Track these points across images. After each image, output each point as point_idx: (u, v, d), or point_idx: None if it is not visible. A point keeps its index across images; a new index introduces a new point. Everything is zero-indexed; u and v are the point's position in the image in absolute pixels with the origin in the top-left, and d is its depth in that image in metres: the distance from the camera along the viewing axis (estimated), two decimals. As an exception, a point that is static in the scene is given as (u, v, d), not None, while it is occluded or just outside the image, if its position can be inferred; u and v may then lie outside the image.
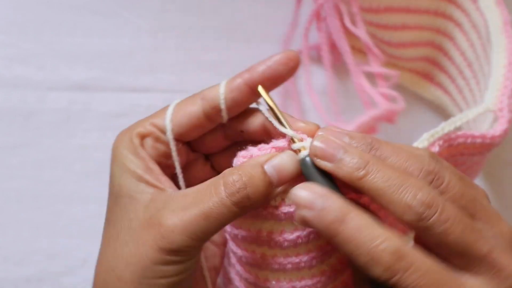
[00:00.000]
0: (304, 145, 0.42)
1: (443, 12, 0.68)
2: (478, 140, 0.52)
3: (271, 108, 0.44)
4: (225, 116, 0.45)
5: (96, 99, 0.71)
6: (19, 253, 0.67)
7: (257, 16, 0.74)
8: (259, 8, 0.74)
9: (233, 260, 0.48)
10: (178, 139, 0.46)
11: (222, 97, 0.45)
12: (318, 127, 0.43)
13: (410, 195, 0.38)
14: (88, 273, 0.68)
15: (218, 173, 0.46)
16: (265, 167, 0.41)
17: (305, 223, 0.39)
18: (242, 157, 0.43)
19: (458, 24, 0.68)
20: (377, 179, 0.38)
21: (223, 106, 0.45)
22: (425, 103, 0.75)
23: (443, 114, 0.74)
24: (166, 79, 0.72)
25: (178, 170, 0.46)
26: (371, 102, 0.67)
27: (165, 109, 0.47)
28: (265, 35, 0.74)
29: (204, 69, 0.72)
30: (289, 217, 0.42)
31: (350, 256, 0.38)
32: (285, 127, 0.43)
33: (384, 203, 0.38)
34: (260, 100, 0.46)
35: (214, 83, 0.74)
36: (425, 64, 0.73)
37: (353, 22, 0.65)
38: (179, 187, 0.47)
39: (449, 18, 0.68)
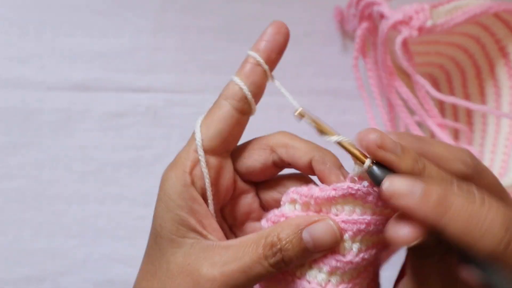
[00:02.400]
0: (368, 162, 0.41)
1: (470, 53, 0.69)
2: None
3: (317, 124, 0.43)
4: (253, 104, 0.45)
5: (96, 99, 0.71)
6: (19, 253, 0.67)
7: (257, 16, 0.74)
8: (259, 8, 0.74)
9: None
10: (222, 151, 0.45)
11: (243, 85, 0.45)
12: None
13: (462, 154, 0.41)
14: (88, 273, 0.68)
15: (264, 210, 0.48)
16: (303, 233, 0.42)
17: (408, 211, 0.38)
18: (291, 193, 0.44)
19: (478, 72, 0.68)
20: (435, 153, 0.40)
21: (249, 96, 0.45)
22: None
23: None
24: (166, 79, 0.72)
25: (208, 189, 0.45)
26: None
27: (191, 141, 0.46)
28: (265, 35, 0.74)
29: (204, 69, 0.72)
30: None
31: (458, 235, 0.37)
32: (334, 135, 0.42)
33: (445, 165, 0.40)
34: (305, 118, 0.43)
35: (214, 83, 0.75)
36: (435, 70, 0.73)
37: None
38: (226, 218, 0.47)
39: (473, 60, 0.69)
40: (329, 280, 0.44)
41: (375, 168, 0.40)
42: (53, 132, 0.70)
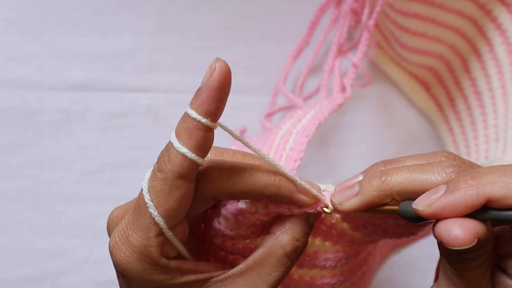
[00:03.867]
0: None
1: (464, 33, 0.69)
2: None
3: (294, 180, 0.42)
4: (202, 162, 0.40)
5: (96, 99, 0.71)
6: (19, 253, 0.67)
7: (257, 16, 0.74)
8: (259, 8, 0.74)
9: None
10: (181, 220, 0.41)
11: (194, 157, 0.39)
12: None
13: (441, 167, 0.40)
14: (88, 273, 0.68)
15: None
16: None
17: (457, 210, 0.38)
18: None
19: (476, 50, 0.68)
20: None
21: (201, 162, 0.39)
22: (415, 108, 0.75)
23: (430, 123, 0.74)
24: (166, 79, 0.72)
25: (186, 253, 0.43)
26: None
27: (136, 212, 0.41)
28: (265, 35, 0.74)
29: (204, 69, 0.72)
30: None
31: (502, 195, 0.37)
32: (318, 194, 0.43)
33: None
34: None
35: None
36: (426, 72, 0.74)
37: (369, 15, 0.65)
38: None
39: (469, 41, 0.69)
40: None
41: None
42: (53, 132, 0.70)
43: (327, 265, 0.46)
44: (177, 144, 0.39)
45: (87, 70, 0.71)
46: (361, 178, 0.42)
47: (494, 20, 0.66)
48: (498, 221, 0.37)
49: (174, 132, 0.40)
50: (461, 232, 0.36)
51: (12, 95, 0.70)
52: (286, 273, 0.42)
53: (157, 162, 0.40)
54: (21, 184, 0.68)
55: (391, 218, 0.43)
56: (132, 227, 0.40)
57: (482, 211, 0.37)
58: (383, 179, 0.40)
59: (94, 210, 0.69)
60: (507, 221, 0.37)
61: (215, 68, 0.40)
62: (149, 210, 0.39)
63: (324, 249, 0.46)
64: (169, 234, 0.40)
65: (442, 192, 0.38)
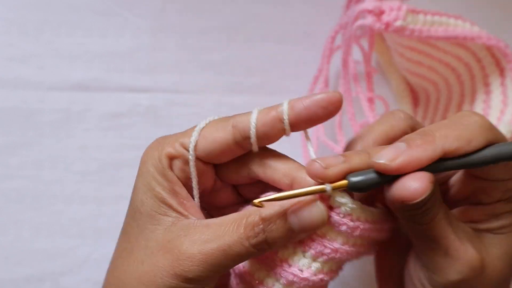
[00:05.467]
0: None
1: (461, 79, 0.69)
2: None
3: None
4: (255, 147, 0.44)
5: (96, 99, 0.71)
6: (19, 253, 0.67)
7: (257, 16, 0.74)
8: (259, 8, 0.74)
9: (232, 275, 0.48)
10: (207, 161, 0.45)
11: (253, 130, 0.43)
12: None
13: None
14: (88, 273, 0.68)
15: (244, 199, 0.48)
16: (288, 214, 0.41)
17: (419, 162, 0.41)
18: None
19: (462, 100, 0.69)
20: None
21: (253, 139, 0.43)
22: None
23: None
24: (166, 79, 0.72)
25: (196, 197, 0.45)
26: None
27: (191, 128, 0.45)
28: (265, 35, 0.74)
29: (204, 69, 0.72)
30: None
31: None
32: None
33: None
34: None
35: (214, 83, 0.75)
36: (419, 89, 0.74)
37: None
38: (204, 209, 0.47)
39: (461, 86, 0.69)
40: (310, 266, 0.44)
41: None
42: (53, 132, 0.70)
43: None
44: (253, 118, 0.43)
45: (87, 70, 0.71)
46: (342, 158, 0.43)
47: (485, 76, 0.66)
48: (449, 169, 0.42)
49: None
50: (418, 184, 0.39)
51: (12, 95, 0.70)
52: (238, 246, 0.41)
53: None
54: (21, 184, 0.68)
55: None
56: (173, 136, 0.46)
57: (435, 164, 0.41)
58: (366, 154, 0.43)
59: (94, 210, 0.69)
60: (459, 168, 0.42)
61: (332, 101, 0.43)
62: (193, 131, 0.44)
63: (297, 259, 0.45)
64: (192, 154, 0.44)
65: (403, 148, 0.40)
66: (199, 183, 0.45)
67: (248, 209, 0.44)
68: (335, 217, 0.42)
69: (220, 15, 0.74)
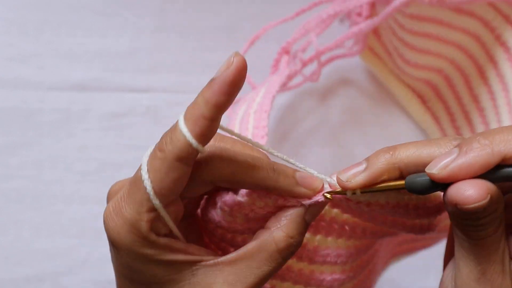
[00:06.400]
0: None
1: (467, 49, 0.69)
2: None
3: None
4: (201, 149, 0.40)
5: (96, 99, 0.71)
6: (19, 253, 0.67)
7: (257, 16, 0.74)
8: (259, 8, 0.74)
9: None
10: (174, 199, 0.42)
11: (195, 145, 0.39)
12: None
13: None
14: (88, 273, 0.68)
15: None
16: (306, 218, 0.42)
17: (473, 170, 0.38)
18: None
19: (479, 67, 0.68)
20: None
21: (200, 149, 0.40)
22: (411, 121, 0.75)
23: (427, 137, 0.74)
24: (166, 79, 0.72)
25: (181, 239, 0.43)
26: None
27: (133, 186, 0.42)
28: (265, 35, 0.74)
29: (204, 69, 0.72)
30: None
31: None
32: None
33: None
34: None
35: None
36: (423, 86, 0.74)
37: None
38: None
39: (471, 57, 0.69)
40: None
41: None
42: (53, 132, 0.70)
43: (328, 260, 0.46)
44: (183, 128, 0.40)
45: (87, 70, 0.71)
46: (365, 163, 0.41)
47: (498, 37, 0.65)
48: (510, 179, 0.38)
49: (183, 115, 0.40)
50: (473, 190, 0.37)
51: (12, 95, 0.70)
52: (276, 269, 0.41)
53: (159, 141, 0.41)
54: (21, 184, 0.68)
55: (399, 207, 0.42)
56: (127, 200, 0.41)
57: (494, 172, 0.37)
58: (391, 153, 0.40)
59: (94, 210, 0.69)
60: None
61: (232, 62, 0.40)
62: (144, 184, 0.40)
63: (325, 244, 0.46)
64: (161, 210, 0.40)
65: (455, 155, 0.38)
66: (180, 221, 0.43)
67: (235, 198, 0.42)
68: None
69: (220, 15, 0.74)
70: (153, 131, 0.71)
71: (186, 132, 0.39)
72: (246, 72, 0.40)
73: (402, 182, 0.40)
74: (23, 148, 0.69)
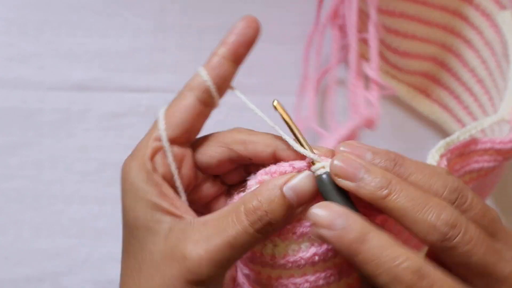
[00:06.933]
0: (324, 165, 0.41)
1: (452, 28, 0.69)
2: (488, 145, 0.52)
3: (289, 127, 0.43)
4: (217, 97, 0.46)
5: (96, 99, 0.71)
6: (19, 253, 0.67)
7: (257, 16, 0.74)
8: (259, 8, 0.74)
9: (241, 278, 0.48)
10: (183, 141, 0.45)
11: (207, 77, 0.45)
12: (333, 153, 0.42)
13: (434, 215, 0.37)
14: (88, 273, 0.68)
15: (229, 187, 0.47)
16: (284, 189, 0.40)
17: (324, 241, 0.39)
18: (260, 175, 0.42)
19: (467, 41, 0.68)
20: (400, 198, 0.38)
21: (212, 86, 0.46)
22: (420, 117, 0.75)
23: (438, 129, 0.74)
24: (166, 79, 0.72)
25: (182, 193, 0.45)
26: (356, 105, 0.67)
27: (154, 127, 0.46)
28: (265, 35, 0.74)
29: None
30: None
31: (371, 276, 0.37)
32: (304, 148, 0.42)
33: (407, 223, 0.38)
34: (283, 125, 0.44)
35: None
36: (423, 80, 0.74)
37: (365, 24, 0.65)
38: (191, 204, 0.46)
39: (458, 35, 0.69)
40: (300, 247, 0.43)
41: (325, 178, 0.41)
42: (53, 132, 0.70)
43: (309, 263, 0.44)
44: (202, 72, 0.46)
45: (87, 70, 0.71)
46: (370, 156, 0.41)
47: (477, 7, 0.66)
48: None
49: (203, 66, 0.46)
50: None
51: (12, 95, 0.70)
52: (242, 235, 0.40)
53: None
54: (21, 184, 0.68)
55: None
56: (141, 141, 0.45)
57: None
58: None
59: (94, 210, 0.69)
60: None
61: (248, 21, 0.49)
62: (158, 114, 0.45)
63: (298, 249, 0.44)
64: (164, 137, 0.44)
65: (336, 230, 0.38)
66: (181, 173, 0.44)
67: (241, 196, 0.43)
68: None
69: (220, 15, 0.74)
70: (153, 131, 0.71)
71: (205, 75, 0.45)
72: (258, 29, 0.48)
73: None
74: (23, 148, 0.69)
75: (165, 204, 0.42)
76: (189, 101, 0.45)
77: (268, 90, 0.72)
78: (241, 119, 0.71)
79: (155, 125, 0.45)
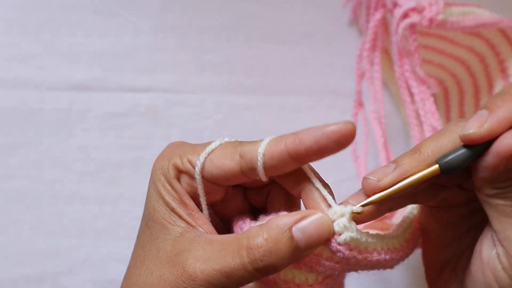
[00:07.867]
0: (343, 212, 0.40)
1: (471, 70, 0.69)
2: None
3: (317, 189, 0.42)
4: (263, 178, 0.42)
5: (96, 99, 0.71)
6: (19, 253, 0.67)
7: (257, 16, 0.74)
8: (259, 8, 0.74)
9: None
10: (214, 182, 0.44)
11: (260, 163, 0.41)
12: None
13: None
14: (88, 273, 0.68)
15: (255, 208, 0.47)
16: (293, 230, 0.39)
17: None
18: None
19: (477, 91, 0.69)
20: None
21: (261, 172, 0.41)
22: None
23: None
24: (166, 79, 0.72)
25: (205, 210, 0.45)
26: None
27: (202, 146, 0.44)
28: (265, 35, 0.74)
29: (204, 69, 0.72)
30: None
31: None
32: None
33: None
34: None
35: (214, 83, 0.75)
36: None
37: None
38: (214, 223, 0.46)
39: (473, 78, 0.69)
40: (306, 278, 0.42)
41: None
42: (53, 132, 0.70)
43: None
44: (262, 146, 0.41)
45: (87, 70, 0.71)
46: (393, 165, 0.41)
47: (501, 62, 0.66)
48: None
49: (270, 138, 0.42)
50: None
51: (12, 95, 0.70)
52: (240, 270, 0.39)
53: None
54: (21, 184, 0.68)
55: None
56: (183, 147, 0.45)
57: None
58: (417, 153, 0.41)
59: (94, 210, 0.69)
60: None
61: (340, 124, 0.40)
62: (203, 152, 0.43)
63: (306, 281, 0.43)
64: (198, 178, 0.43)
65: (486, 114, 0.39)
66: (207, 197, 0.44)
67: (250, 226, 0.43)
68: (333, 244, 0.40)
69: (220, 15, 0.74)
70: (153, 131, 0.71)
71: (260, 156, 0.41)
72: (346, 141, 0.39)
73: (432, 168, 0.40)
74: (23, 148, 0.69)
75: (183, 212, 0.43)
76: (232, 166, 0.42)
77: (268, 90, 0.72)
78: (241, 119, 0.72)
79: (198, 149, 0.43)
